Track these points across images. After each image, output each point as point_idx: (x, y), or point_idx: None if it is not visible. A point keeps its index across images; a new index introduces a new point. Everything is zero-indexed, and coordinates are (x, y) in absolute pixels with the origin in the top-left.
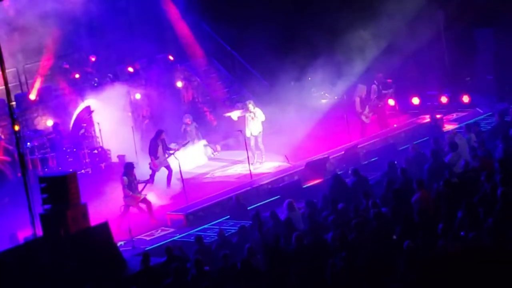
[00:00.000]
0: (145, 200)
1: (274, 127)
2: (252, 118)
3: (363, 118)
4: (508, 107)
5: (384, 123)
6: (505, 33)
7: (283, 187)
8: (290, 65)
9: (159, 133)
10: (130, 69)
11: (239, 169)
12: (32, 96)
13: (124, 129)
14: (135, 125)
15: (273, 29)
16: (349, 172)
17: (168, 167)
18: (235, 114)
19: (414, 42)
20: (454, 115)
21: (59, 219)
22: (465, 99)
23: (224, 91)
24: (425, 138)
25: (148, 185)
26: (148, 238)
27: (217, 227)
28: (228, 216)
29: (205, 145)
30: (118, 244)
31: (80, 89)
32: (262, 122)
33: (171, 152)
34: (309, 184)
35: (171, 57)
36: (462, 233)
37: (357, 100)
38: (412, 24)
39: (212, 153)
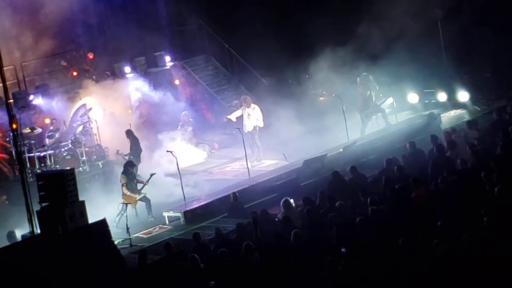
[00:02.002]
0: (144, 198)
1: (271, 124)
2: (249, 115)
3: (363, 116)
4: (506, 104)
5: None
6: (502, 31)
7: (281, 185)
8: (288, 62)
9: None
10: (128, 67)
11: (237, 167)
12: None
13: (121, 127)
14: (133, 123)
15: (271, 26)
16: (347, 169)
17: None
18: (234, 115)
19: (412, 39)
20: (452, 113)
21: (56, 216)
22: (463, 96)
23: (221, 89)
24: (422, 136)
25: (147, 184)
26: (145, 236)
27: (215, 225)
28: (226, 214)
29: (202, 143)
30: (116, 241)
31: (78, 86)
32: (260, 119)
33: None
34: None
35: (168, 55)
36: (459, 231)
37: (360, 98)
38: (410, 21)
39: (210, 151)
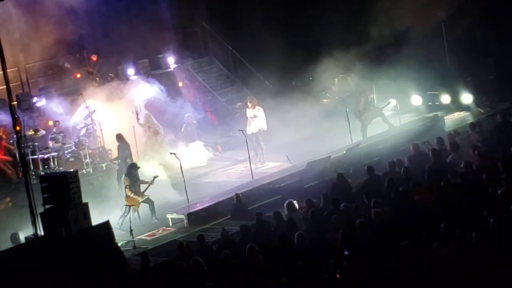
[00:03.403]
0: (147, 200)
1: (275, 126)
2: (255, 116)
3: (364, 119)
4: (510, 106)
5: None
6: (506, 33)
7: (284, 187)
8: (291, 64)
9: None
10: (131, 69)
11: (240, 169)
12: None
13: (125, 129)
14: (136, 124)
15: (274, 29)
16: (350, 171)
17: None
18: (249, 114)
19: (416, 41)
20: (455, 115)
21: (60, 218)
22: (467, 98)
23: (225, 91)
24: (426, 138)
25: (152, 184)
26: (149, 238)
27: (218, 227)
28: (229, 216)
29: (205, 145)
30: (119, 243)
31: (82, 89)
32: (264, 121)
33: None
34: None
35: (172, 57)
36: (463, 233)
37: (362, 100)
38: (413, 24)
39: (214, 153)
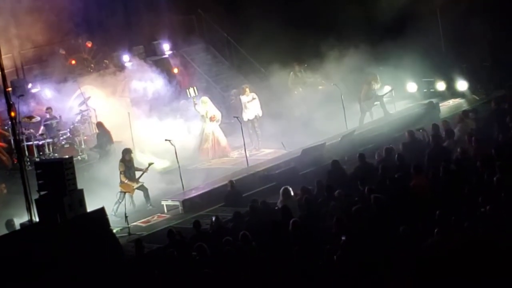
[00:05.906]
0: (142, 187)
1: (270, 113)
2: (253, 98)
3: (364, 106)
4: (505, 94)
5: None
6: (501, 20)
7: (280, 174)
8: (287, 51)
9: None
10: (126, 56)
11: (235, 156)
12: None
13: (120, 115)
14: (131, 111)
15: (270, 15)
16: (345, 158)
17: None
18: (245, 100)
19: (411, 28)
20: (451, 102)
21: (55, 205)
22: (462, 85)
23: (220, 78)
24: (421, 125)
25: (146, 172)
26: (144, 225)
27: (213, 214)
28: (223, 203)
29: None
30: (114, 230)
31: (77, 75)
32: (258, 107)
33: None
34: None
35: (167, 44)
36: (459, 220)
37: (365, 87)
38: (408, 10)
39: None
